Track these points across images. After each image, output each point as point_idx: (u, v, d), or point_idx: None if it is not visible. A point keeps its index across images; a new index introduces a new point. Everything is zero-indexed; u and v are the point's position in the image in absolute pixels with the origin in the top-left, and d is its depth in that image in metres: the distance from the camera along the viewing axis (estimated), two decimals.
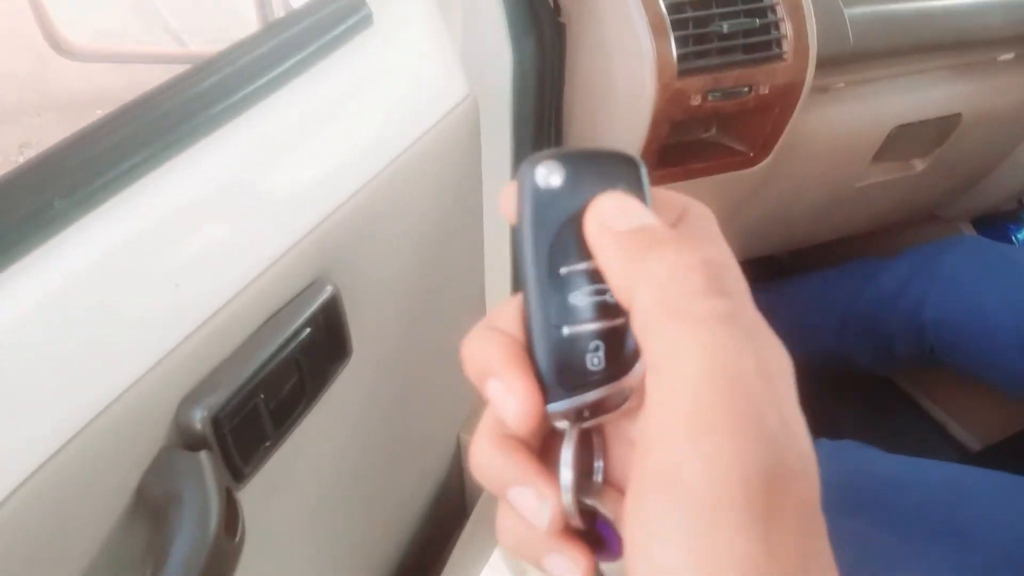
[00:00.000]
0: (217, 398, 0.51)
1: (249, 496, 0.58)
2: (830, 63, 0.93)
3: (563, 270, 0.28)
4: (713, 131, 1.03)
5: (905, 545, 0.88)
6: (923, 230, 1.21)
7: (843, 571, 0.99)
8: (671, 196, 0.30)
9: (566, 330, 0.28)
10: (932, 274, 1.11)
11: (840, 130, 1.05)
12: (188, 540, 0.44)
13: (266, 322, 0.57)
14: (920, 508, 0.91)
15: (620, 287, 0.27)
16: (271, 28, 0.63)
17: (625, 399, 0.28)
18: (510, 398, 0.27)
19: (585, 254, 0.28)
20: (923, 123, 1.08)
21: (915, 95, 1.06)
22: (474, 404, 1.07)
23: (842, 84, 1.01)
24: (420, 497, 1.02)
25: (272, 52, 0.60)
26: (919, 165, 1.18)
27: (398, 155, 0.69)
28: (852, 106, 1.03)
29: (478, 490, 1.06)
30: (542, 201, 0.28)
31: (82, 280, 0.46)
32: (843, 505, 0.94)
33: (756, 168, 1.00)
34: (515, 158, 1.03)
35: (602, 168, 0.29)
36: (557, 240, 0.28)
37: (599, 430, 0.30)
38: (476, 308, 0.98)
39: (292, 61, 0.60)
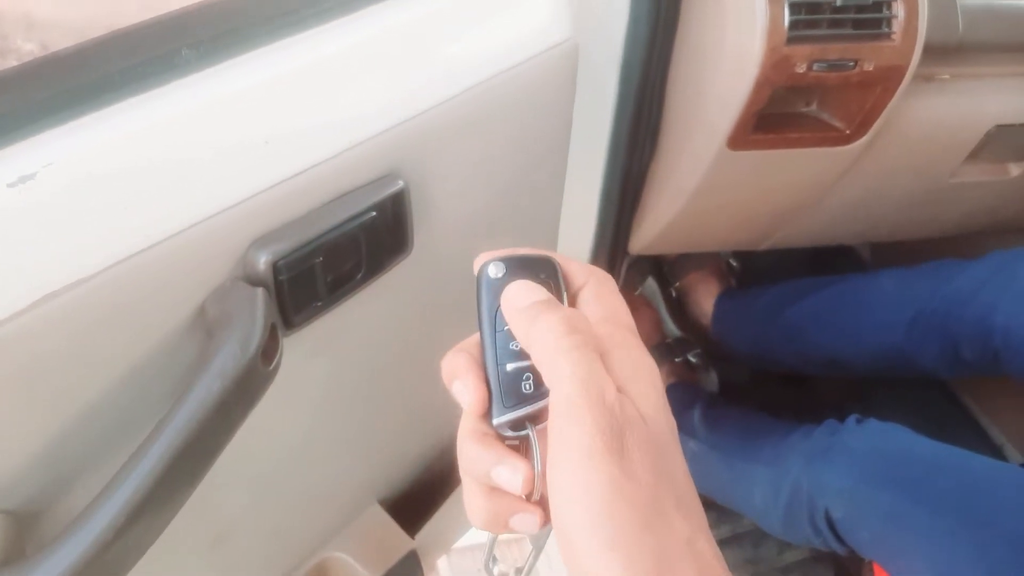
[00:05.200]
0: (281, 247, 0.57)
1: (295, 348, 0.64)
2: (937, 51, 0.92)
3: (506, 327, 0.41)
4: (814, 106, 1.02)
5: (935, 523, 0.89)
6: (1012, 244, 1.16)
7: (869, 539, 1.02)
8: (580, 266, 0.44)
9: (508, 367, 0.41)
10: (1009, 278, 1.07)
11: (939, 122, 1.03)
12: (229, 354, 0.50)
13: (338, 197, 0.63)
14: (955, 491, 0.92)
15: (522, 341, 0.40)
16: None
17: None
18: (467, 393, 0.41)
19: None
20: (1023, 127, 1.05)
21: (1019, 96, 1.03)
22: None
23: (947, 75, 0.99)
24: (454, 419, 1.05)
25: None
26: (1014, 170, 1.14)
27: (486, 79, 0.71)
28: (954, 99, 1.01)
29: None
30: (491, 285, 0.43)
31: (194, 118, 0.54)
32: (881, 478, 0.96)
33: (851, 147, 0.99)
34: (618, 105, 1.01)
35: (527, 264, 0.43)
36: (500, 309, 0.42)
37: (543, 435, 0.39)
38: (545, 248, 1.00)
39: None
